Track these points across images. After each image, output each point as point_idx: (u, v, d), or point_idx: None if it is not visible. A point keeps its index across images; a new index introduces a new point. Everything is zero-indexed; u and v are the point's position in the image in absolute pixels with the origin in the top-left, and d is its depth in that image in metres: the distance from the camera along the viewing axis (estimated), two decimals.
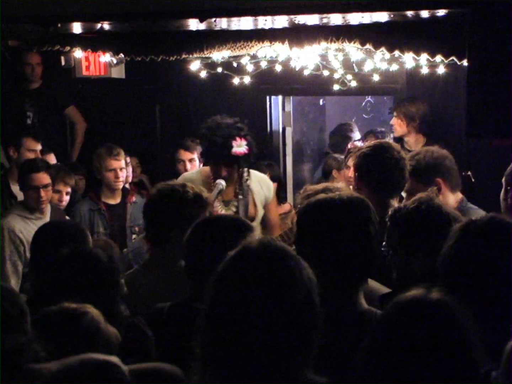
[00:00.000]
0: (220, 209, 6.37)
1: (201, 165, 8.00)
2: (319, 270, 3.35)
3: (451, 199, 5.33)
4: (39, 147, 7.78)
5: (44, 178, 6.76)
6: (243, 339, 2.48)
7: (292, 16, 5.24)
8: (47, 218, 6.83)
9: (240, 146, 6.30)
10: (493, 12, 3.24)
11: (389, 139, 9.20)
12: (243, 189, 6.48)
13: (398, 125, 8.48)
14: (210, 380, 2.54)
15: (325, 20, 5.44)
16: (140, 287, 4.65)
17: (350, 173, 6.69)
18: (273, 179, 8.64)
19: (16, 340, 2.78)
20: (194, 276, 4.01)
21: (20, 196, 7.30)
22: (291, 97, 10.06)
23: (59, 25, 5.49)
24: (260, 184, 6.67)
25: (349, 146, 9.18)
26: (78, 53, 7.29)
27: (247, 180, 6.53)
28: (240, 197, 6.45)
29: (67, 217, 7.24)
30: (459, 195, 5.47)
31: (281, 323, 2.48)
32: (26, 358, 2.74)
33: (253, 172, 6.70)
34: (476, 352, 2.41)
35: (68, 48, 6.97)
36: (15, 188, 7.49)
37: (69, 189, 7.38)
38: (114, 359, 2.65)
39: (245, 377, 2.48)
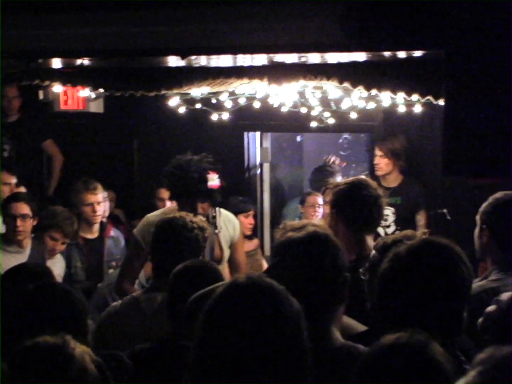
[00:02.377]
0: None
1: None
2: None
3: None
4: (14, 180, 7.80)
5: (23, 208, 6.82)
6: (233, 375, 2.45)
7: (271, 55, 5.28)
8: (27, 252, 6.89)
9: (213, 180, 6.22)
10: (467, 53, 3.29)
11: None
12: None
13: (385, 164, 8.47)
14: None
15: (303, 59, 5.49)
16: (141, 312, 4.78)
17: (327, 209, 6.73)
18: (256, 216, 8.70)
19: None
20: (176, 315, 4.07)
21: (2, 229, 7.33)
22: (269, 134, 10.10)
23: (40, 60, 5.50)
24: (225, 223, 6.52)
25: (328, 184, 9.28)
26: (57, 87, 7.32)
27: (214, 217, 6.38)
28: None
29: (59, 256, 7.31)
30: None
31: (270, 359, 2.46)
32: None
33: (221, 211, 6.53)
34: None
35: (47, 82, 6.99)
36: None
37: (67, 240, 7.34)
38: None
39: None
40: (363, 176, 6.20)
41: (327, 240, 3.72)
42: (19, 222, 6.78)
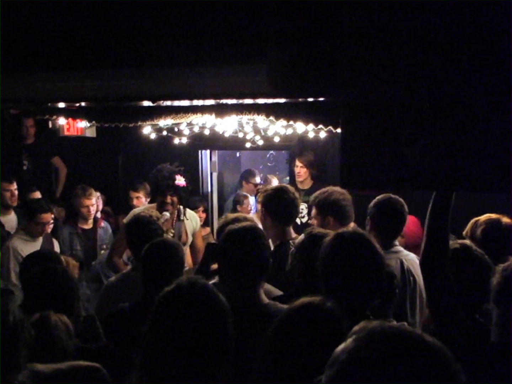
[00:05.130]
0: None
1: (147, 201, 8.07)
2: (230, 273, 3.48)
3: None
4: (13, 186, 7.70)
5: (49, 216, 6.88)
6: (172, 354, 2.40)
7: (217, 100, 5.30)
8: (40, 239, 6.85)
9: (180, 180, 6.39)
10: (355, 98, 3.34)
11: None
12: (179, 221, 6.51)
13: (304, 172, 8.53)
14: (147, 381, 2.45)
15: (240, 101, 5.51)
16: (131, 281, 4.76)
17: (259, 207, 6.79)
18: (206, 210, 8.77)
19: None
20: (148, 284, 4.05)
21: (7, 224, 7.49)
22: (217, 151, 10.12)
23: (48, 104, 5.47)
24: (190, 218, 6.68)
25: (259, 187, 9.40)
26: (61, 120, 7.25)
27: (184, 214, 6.54)
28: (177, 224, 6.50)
29: (54, 239, 7.21)
30: (351, 225, 5.39)
31: (201, 342, 2.42)
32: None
33: (186, 209, 6.70)
34: None
35: (54, 117, 6.92)
36: (2, 219, 7.60)
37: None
38: (97, 364, 2.59)
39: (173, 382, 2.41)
40: (284, 184, 6.21)
41: (257, 231, 3.75)
42: (47, 227, 6.87)
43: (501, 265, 2.91)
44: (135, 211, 6.34)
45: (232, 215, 5.17)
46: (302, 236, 4.16)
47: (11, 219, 7.65)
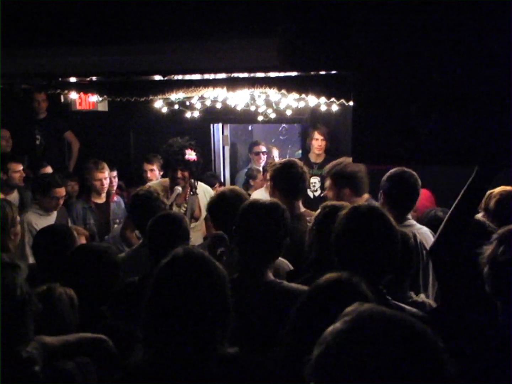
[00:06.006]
0: (174, 209, 6.34)
1: (160, 174, 8.07)
2: (242, 247, 3.49)
3: (356, 200, 5.34)
4: (21, 167, 7.72)
5: (63, 191, 6.93)
6: (173, 325, 2.40)
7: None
8: (54, 213, 6.89)
9: (191, 154, 6.38)
10: (367, 71, 3.32)
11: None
12: (192, 195, 6.50)
13: (324, 145, 8.53)
14: (150, 357, 2.45)
15: (252, 74, 5.48)
16: (141, 256, 4.74)
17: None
18: (220, 186, 8.81)
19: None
20: (155, 257, 4.04)
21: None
22: (229, 125, 10.12)
23: (59, 79, 5.45)
24: (204, 192, 6.68)
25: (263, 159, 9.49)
26: (73, 94, 7.23)
27: (196, 188, 6.54)
28: (189, 200, 6.50)
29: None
30: (365, 196, 5.48)
31: (201, 311, 2.40)
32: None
33: (200, 184, 6.71)
34: None
35: (66, 91, 6.91)
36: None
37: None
38: (103, 336, 2.61)
39: (175, 353, 2.41)
40: (293, 158, 6.20)
41: (277, 209, 3.68)
42: (61, 201, 6.90)
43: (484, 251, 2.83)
44: (149, 184, 6.37)
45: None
46: (319, 210, 4.17)
47: (13, 198, 7.63)
